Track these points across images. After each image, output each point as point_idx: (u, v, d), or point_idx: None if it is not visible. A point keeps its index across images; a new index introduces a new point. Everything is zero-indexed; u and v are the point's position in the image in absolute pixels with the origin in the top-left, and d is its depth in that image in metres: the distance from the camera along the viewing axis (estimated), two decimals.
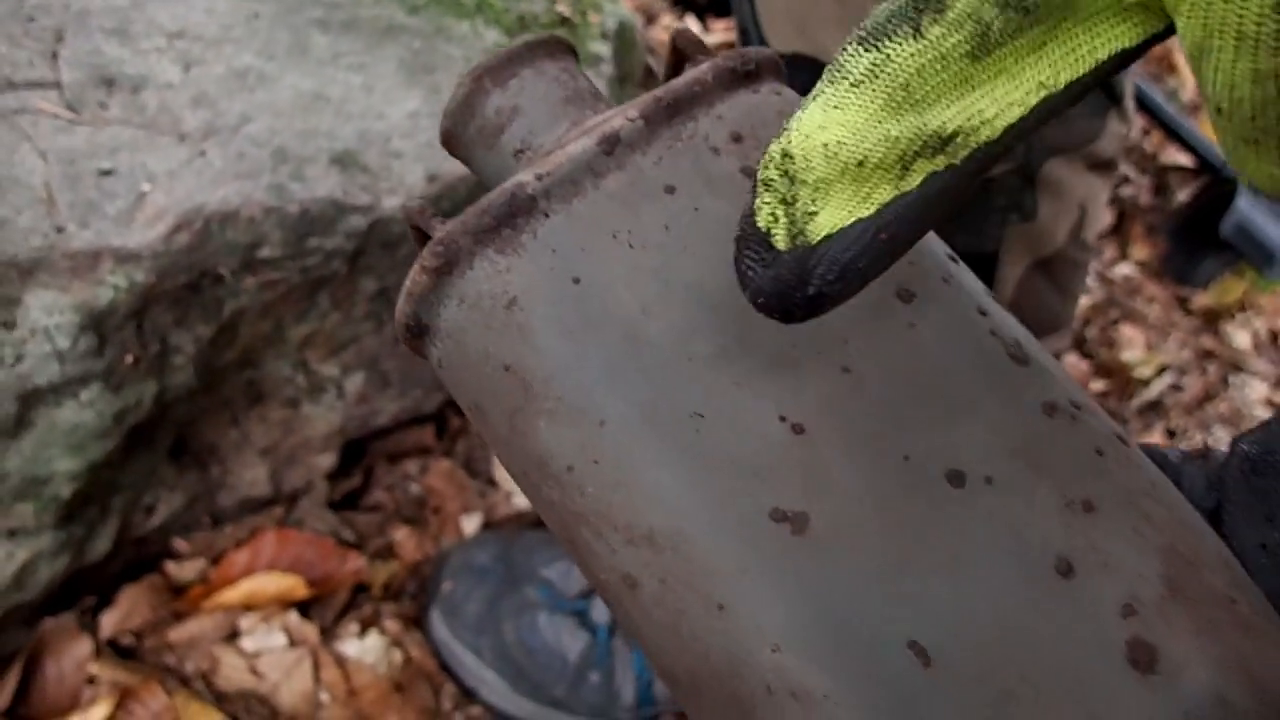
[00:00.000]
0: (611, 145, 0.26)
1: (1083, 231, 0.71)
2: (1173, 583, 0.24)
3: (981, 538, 0.23)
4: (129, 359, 0.67)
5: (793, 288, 0.21)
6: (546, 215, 0.25)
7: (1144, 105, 1.34)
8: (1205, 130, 1.40)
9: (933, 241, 0.27)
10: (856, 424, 0.24)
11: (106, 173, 0.65)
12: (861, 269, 0.21)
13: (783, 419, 0.24)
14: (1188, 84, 1.59)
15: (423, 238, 0.28)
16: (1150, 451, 0.27)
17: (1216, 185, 1.39)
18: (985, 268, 0.68)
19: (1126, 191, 1.52)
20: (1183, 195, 1.51)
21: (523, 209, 0.25)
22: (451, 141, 0.31)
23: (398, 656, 0.83)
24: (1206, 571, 0.24)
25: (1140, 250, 1.47)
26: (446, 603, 0.86)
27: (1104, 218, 0.73)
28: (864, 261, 0.21)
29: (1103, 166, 0.70)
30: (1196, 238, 1.41)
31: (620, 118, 0.27)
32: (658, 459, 0.23)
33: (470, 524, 0.95)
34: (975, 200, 0.66)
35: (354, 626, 0.83)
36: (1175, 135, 1.37)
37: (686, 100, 0.27)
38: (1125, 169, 1.53)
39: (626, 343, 0.24)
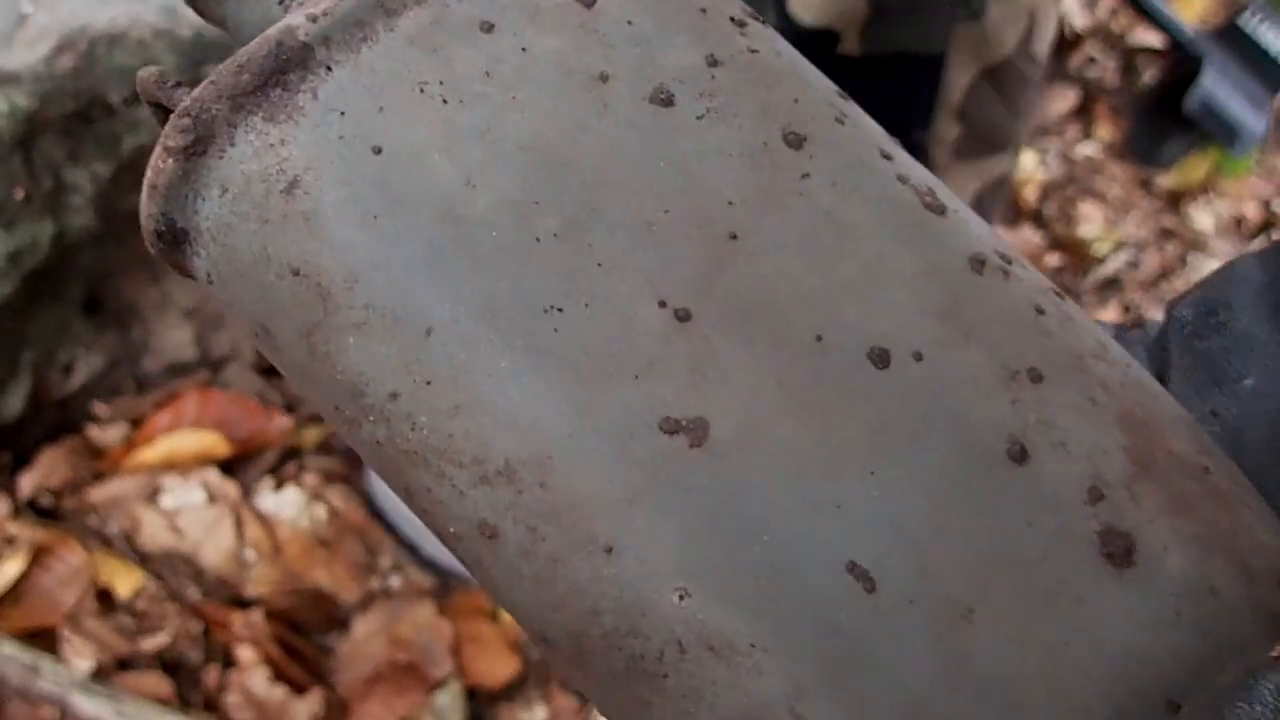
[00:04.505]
0: None
1: (1032, 43, 0.69)
2: (1138, 456, 0.20)
3: (918, 427, 0.19)
4: (19, 193, 0.64)
5: None
6: (328, 69, 0.20)
7: None
8: (1176, 8, 1.36)
9: (818, 76, 0.23)
10: (753, 302, 0.19)
11: None
12: None
13: (662, 304, 0.19)
14: None
15: (166, 117, 0.21)
16: None
17: (1183, 64, 1.36)
18: (931, 71, 0.66)
19: (1092, 73, 1.49)
20: (1149, 77, 1.48)
21: (295, 62, 0.19)
22: None
23: (321, 512, 0.82)
24: (1172, 438, 0.21)
25: (1104, 130, 1.44)
26: None
27: (1051, 32, 0.72)
28: None
29: None
30: (1162, 117, 1.39)
31: None
32: (506, 369, 0.18)
33: None
34: None
35: (272, 482, 0.81)
36: (1143, 11, 1.34)
37: None
38: (1091, 49, 1.50)
39: (449, 224, 0.19)
